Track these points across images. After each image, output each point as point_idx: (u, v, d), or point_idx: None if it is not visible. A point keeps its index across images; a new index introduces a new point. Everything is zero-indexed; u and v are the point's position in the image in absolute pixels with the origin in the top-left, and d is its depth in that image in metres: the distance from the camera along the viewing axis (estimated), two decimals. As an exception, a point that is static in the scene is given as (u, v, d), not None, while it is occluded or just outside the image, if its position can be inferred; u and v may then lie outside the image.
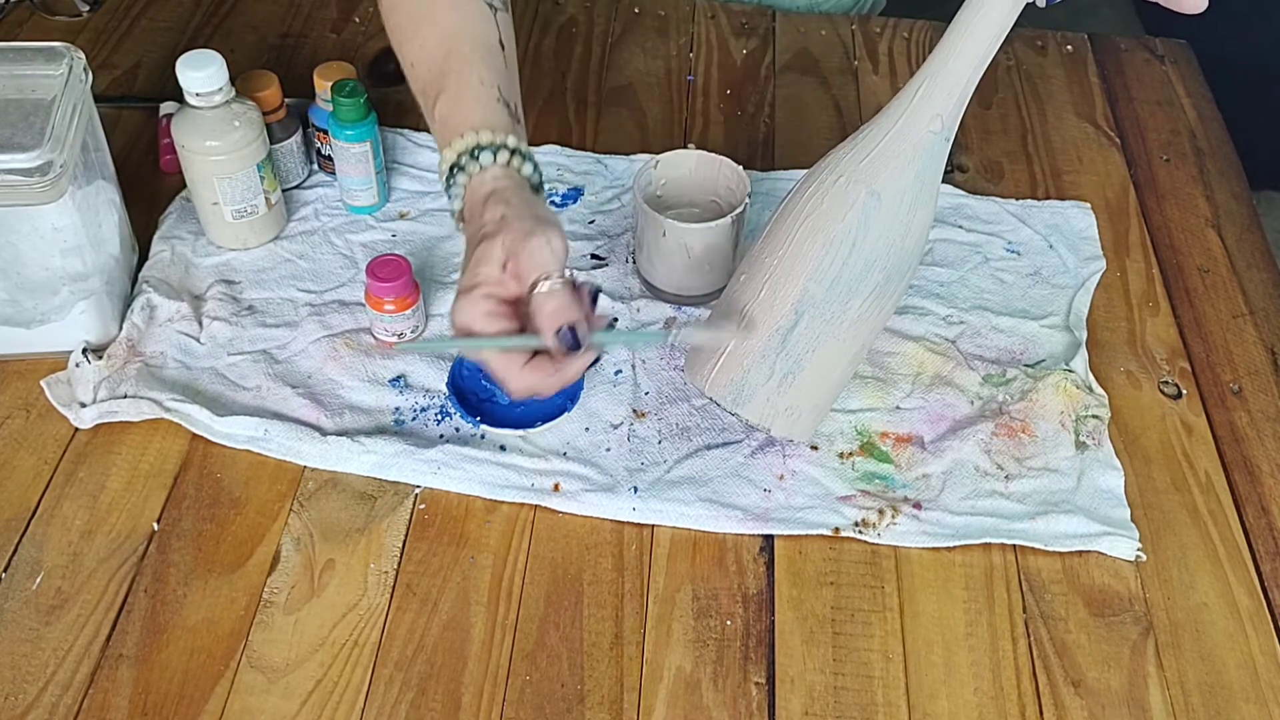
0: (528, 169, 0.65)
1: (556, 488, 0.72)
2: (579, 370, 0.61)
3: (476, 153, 0.64)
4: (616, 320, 0.80)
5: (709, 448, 0.75)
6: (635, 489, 0.73)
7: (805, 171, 0.71)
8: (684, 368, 0.73)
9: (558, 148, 0.96)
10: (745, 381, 0.69)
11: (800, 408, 0.71)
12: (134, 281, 0.82)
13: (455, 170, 0.65)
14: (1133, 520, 0.73)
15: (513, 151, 0.65)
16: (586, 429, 0.76)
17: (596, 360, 0.60)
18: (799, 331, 0.68)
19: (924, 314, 0.84)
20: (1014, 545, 0.72)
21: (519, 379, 0.60)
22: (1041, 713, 0.65)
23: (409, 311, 0.78)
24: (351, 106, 0.82)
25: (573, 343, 0.59)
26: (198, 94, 0.77)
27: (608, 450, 0.75)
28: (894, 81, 1.06)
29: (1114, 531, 0.72)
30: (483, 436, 0.75)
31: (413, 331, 0.80)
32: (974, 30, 0.64)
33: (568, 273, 0.60)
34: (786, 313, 0.68)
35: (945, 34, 0.66)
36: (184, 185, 0.84)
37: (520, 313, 0.61)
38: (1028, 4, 0.64)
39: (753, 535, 0.71)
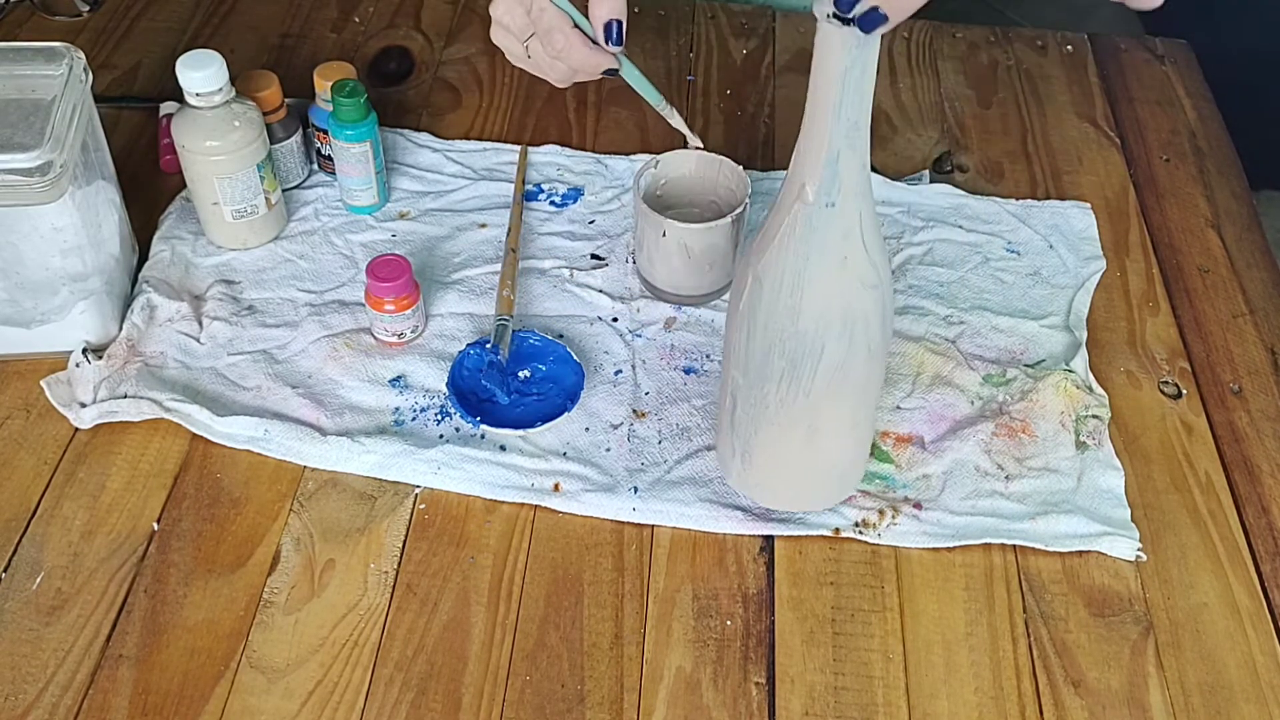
0: None
1: (556, 488, 0.72)
2: (594, 67, 0.73)
3: None
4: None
5: (709, 448, 0.75)
6: (635, 489, 0.73)
7: None
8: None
9: (558, 148, 0.96)
10: (721, 456, 0.72)
11: (771, 484, 0.70)
12: (134, 281, 0.82)
13: None
14: (1133, 520, 0.73)
15: None
16: (586, 429, 0.76)
17: (614, 71, 0.75)
18: (738, 415, 0.68)
19: (924, 314, 0.84)
20: (1014, 545, 0.72)
21: (563, 36, 0.71)
22: (1041, 713, 0.65)
23: (409, 311, 0.78)
24: (351, 106, 0.82)
25: (616, 38, 0.71)
26: (198, 94, 0.77)
27: (608, 450, 0.75)
28: (893, 81, 1.06)
29: (1114, 531, 0.72)
30: (483, 436, 0.75)
31: (413, 331, 0.80)
32: (817, 81, 0.56)
33: None
34: (727, 396, 0.68)
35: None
36: (184, 185, 0.84)
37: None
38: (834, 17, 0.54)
39: (753, 535, 0.72)
